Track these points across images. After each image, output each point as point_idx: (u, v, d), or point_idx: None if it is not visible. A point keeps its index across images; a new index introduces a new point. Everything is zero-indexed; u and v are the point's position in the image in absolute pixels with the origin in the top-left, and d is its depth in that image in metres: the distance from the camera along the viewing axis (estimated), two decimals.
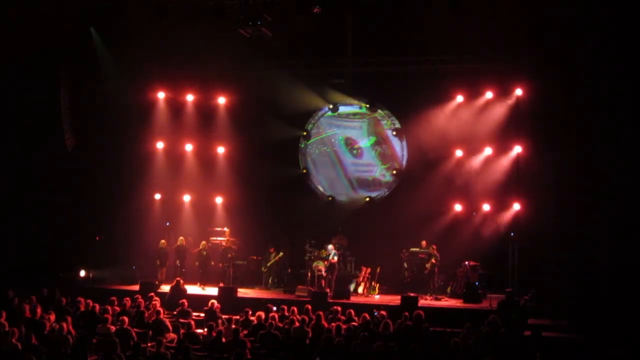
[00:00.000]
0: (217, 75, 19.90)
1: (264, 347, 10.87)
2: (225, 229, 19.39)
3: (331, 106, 20.61)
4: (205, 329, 11.60)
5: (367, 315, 12.63)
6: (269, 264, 18.45)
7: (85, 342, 10.42)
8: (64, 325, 10.85)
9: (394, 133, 20.25)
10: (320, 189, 20.89)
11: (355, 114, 20.61)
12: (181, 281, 16.28)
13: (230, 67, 19.80)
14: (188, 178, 20.29)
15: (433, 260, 17.25)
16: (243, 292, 17.17)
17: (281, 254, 18.59)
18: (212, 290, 17.09)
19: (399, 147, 20.30)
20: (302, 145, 21.09)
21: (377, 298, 17.13)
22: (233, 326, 11.65)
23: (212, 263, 18.54)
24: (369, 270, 17.59)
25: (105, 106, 19.00)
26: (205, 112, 20.38)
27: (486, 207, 18.33)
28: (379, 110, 20.40)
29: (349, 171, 20.79)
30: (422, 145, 19.10)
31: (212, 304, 13.48)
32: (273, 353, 10.17)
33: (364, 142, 20.69)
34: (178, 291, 15.79)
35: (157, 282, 17.50)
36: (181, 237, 18.58)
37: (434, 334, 11.97)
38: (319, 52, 19.41)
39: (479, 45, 17.80)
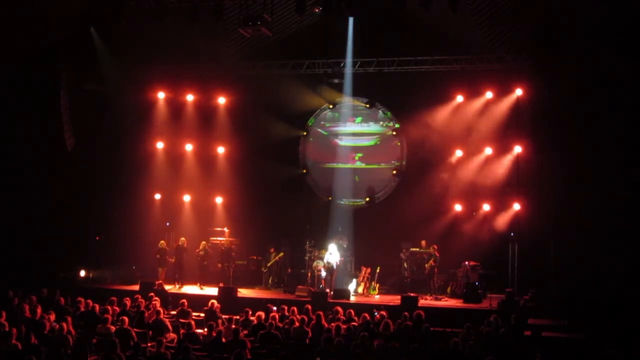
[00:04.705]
0: (217, 75, 19.94)
1: (264, 347, 10.87)
2: (225, 229, 19.37)
3: (331, 106, 20.73)
4: (205, 329, 11.60)
5: (367, 315, 12.64)
6: (269, 264, 18.44)
7: (85, 342, 10.42)
8: (64, 325, 10.84)
9: (394, 133, 20.31)
10: (320, 188, 20.92)
11: (356, 109, 20.64)
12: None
13: (230, 67, 19.86)
14: (188, 178, 20.31)
15: (432, 261, 17.24)
16: (243, 292, 17.17)
17: (281, 254, 18.60)
18: (212, 290, 17.09)
19: (399, 147, 20.33)
20: (302, 145, 21.12)
21: (377, 298, 17.12)
22: (233, 326, 11.64)
23: (205, 263, 18.42)
24: (369, 270, 17.58)
25: (105, 106, 18.97)
26: (205, 112, 20.40)
27: (486, 207, 18.35)
28: (380, 111, 20.49)
29: (349, 170, 20.80)
30: (422, 145, 19.11)
31: (212, 304, 13.48)
32: (273, 353, 10.15)
33: (365, 142, 20.71)
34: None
35: (157, 282, 17.45)
36: (182, 238, 18.55)
37: (434, 334, 11.96)
38: (319, 52, 19.41)
39: (479, 45, 17.85)
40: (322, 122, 21.11)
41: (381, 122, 20.61)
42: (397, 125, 20.27)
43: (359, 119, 20.77)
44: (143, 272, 18.60)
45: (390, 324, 11.92)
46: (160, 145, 20.27)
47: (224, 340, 10.84)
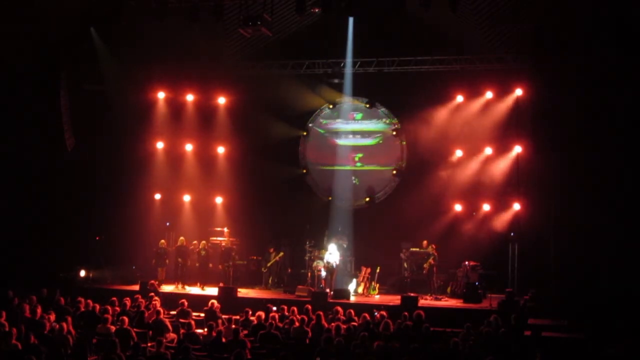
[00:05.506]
0: (217, 75, 19.94)
1: (264, 347, 10.87)
2: (225, 229, 19.38)
3: (331, 106, 20.74)
4: (205, 329, 11.61)
5: (367, 315, 12.64)
6: (269, 264, 18.43)
7: (85, 342, 10.42)
8: (64, 325, 10.84)
9: (394, 133, 20.31)
10: (320, 189, 20.91)
11: (356, 108, 20.66)
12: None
13: (230, 67, 19.86)
14: (188, 178, 20.31)
15: (431, 261, 17.24)
16: (243, 292, 17.16)
17: (281, 253, 18.59)
18: (212, 290, 17.09)
19: (399, 147, 20.33)
20: (302, 145, 21.13)
21: (377, 298, 17.12)
22: (233, 326, 11.66)
23: (211, 265, 18.44)
24: (369, 270, 17.58)
25: (105, 106, 18.97)
26: (205, 112, 20.40)
27: (486, 207, 18.35)
28: (380, 110, 20.50)
29: (349, 171, 20.80)
30: (422, 145, 19.11)
31: (212, 304, 13.48)
32: (273, 353, 10.16)
33: (366, 141, 20.71)
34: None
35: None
36: (182, 238, 18.54)
37: (434, 334, 11.95)
38: (319, 52, 19.41)
39: (479, 45, 17.85)
40: (321, 121, 21.11)
41: (383, 120, 20.59)
42: (397, 124, 20.25)
43: (359, 116, 20.77)
44: (143, 272, 18.57)
45: (390, 324, 11.92)
46: (160, 145, 20.26)
47: (224, 340, 10.84)
